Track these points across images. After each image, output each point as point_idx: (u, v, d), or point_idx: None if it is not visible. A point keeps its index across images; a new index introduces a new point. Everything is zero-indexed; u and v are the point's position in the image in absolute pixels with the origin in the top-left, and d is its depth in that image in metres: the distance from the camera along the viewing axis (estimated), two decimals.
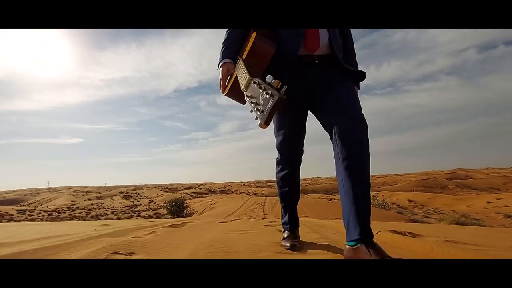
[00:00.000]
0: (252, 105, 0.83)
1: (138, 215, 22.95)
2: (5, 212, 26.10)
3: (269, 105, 0.75)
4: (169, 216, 18.81)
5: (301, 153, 1.34)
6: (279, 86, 0.76)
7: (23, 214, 25.74)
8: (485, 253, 1.26)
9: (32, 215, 24.70)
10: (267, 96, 0.76)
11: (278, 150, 1.34)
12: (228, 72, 1.15)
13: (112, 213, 25.90)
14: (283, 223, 1.46)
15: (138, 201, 38.83)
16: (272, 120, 1.21)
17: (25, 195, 61.73)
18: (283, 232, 1.45)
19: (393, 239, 1.56)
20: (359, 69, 1.22)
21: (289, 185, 1.38)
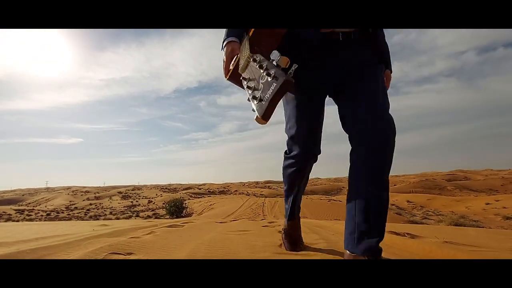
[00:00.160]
0: (249, 91, 0.65)
1: (137, 216, 22.90)
2: (3, 212, 26.01)
3: (270, 92, 0.57)
4: (168, 216, 18.78)
5: (319, 148, 1.11)
6: (287, 66, 0.59)
7: (22, 214, 25.66)
8: (484, 254, 1.26)
9: (31, 215, 24.63)
10: (269, 79, 0.58)
11: (292, 141, 1.10)
12: (232, 53, 0.94)
13: (110, 213, 25.85)
14: (285, 210, 1.30)
15: (137, 201, 38.77)
16: (282, 108, 1.08)
17: (23, 195, 61.56)
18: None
19: (392, 240, 1.56)
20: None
21: (298, 183, 1.19)
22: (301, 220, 1.33)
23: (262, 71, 0.61)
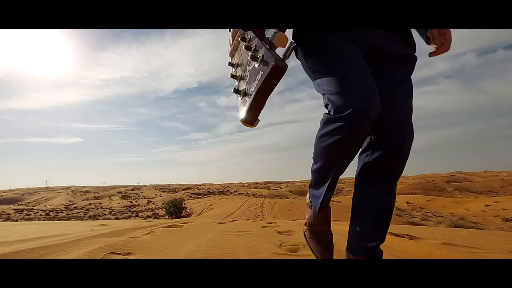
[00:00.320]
0: (235, 81, 0.51)
1: (136, 216, 22.88)
2: (2, 212, 25.96)
3: (255, 83, 0.42)
4: (167, 216, 18.76)
5: (379, 104, 0.73)
6: (285, 46, 0.45)
7: (21, 213, 25.61)
8: (483, 256, 1.26)
9: (30, 215, 24.58)
10: (256, 65, 0.43)
11: (339, 94, 0.72)
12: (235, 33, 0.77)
13: (110, 213, 25.81)
14: (313, 196, 0.94)
15: (136, 202, 38.72)
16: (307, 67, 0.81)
17: (22, 195, 61.48)
18: (311, 210, 0.95)
19: (391, 241, 1.56)
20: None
21: (343, 157, 0.82)
22: (300, 221, 1.32)
23: (250, 53, 0.46)
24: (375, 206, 0.84)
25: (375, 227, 0.84)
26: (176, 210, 19.36)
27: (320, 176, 0.89)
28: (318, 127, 0.81)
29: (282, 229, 2.11)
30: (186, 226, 2.34)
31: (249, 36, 0.53)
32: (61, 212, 27.71)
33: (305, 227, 0.99)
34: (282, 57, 0.45)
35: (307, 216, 0.99)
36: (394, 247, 1.46)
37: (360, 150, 0.87)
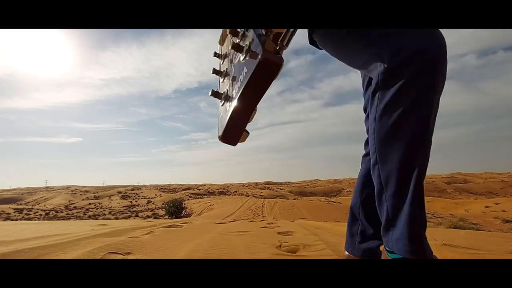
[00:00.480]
0: (220, 79, 0.42)
1: (136, 216, 22.87)
2: (2, 211, 25.96)
3: (239, 83, 0.31)
4: (167, 216, 18.76)
5: None
6: (284, 36, 0.32)
7: (20, 213, 25.60)
8: (482, 257, 1.26)
9: (29, 214, 24.56)
10: (241, 58, 0.33)
11: (392, 37, 0.57)
12: None
13: (109, 213, 25.80)
14: (420, 221, 0.60)
15: (136, 201, 38.71)
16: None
17: (22, 194, 61.48)
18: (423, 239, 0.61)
19: None
20: None
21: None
22: (300, 221, 1.32)
23: (235, 40, 0.35)
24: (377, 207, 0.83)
25: (376, 228, 0.84)
26: (176, 210, 19.36)
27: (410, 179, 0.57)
28: (373, 106, 0.56)
29: (282, 230, 2.11)
30: (186, 226, 2.34)
31: None
32: (61, 211, 27.70)
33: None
34: (277, 47, 0.31)
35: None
36: None
37: (364, 152, 0.86)
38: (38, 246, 1.20)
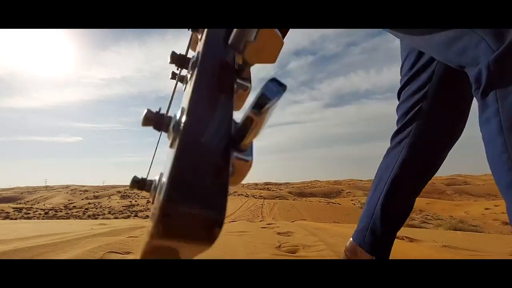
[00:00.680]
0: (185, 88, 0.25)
1: (136, 215, 22.86)
2: (1, 210, 25.95)
3: (185, 100, 0.21)
4: None
5: None
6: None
7: (20, 212, 25.59)
8: (482, 258, 1.26)
9: (29, 213, 24.56)
10: (193, 59, 0.26)
11: None
12: None
13: (109, 212, 25.80)
14: None
15: (136, 201, 38.70)
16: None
17: (22, 193, 61.47)
18: None
19: None
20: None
21: None
22: (299, 222, 1.32)
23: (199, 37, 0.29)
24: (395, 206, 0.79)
25: (388, 225, 0.80)
26: None
27: None
28: (489, 108, 0.45)
29: (281, 230, 2.11)
30: None
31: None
32: (60, 211, 27.69)
33: None
34: (241, 80, 0.24)
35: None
36: (393, 249, 1.46)
37: (390, 145, 0.80)
38: (37, 245, 1.20)
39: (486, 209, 23.97)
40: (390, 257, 0.95)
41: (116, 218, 20.28)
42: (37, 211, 26.65)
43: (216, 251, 1.25)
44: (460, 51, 0.48)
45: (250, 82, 0.27)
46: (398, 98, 0.82)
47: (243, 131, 0.17)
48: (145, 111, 0.22)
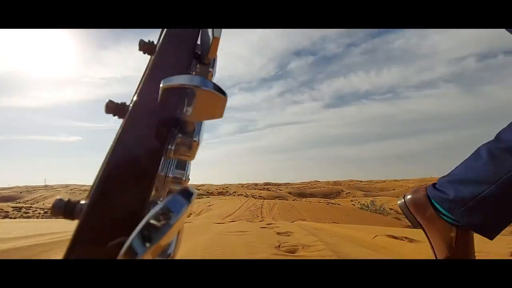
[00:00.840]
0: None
1: None
2: (0, 209, 25.93)
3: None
4: None
5: None
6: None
7: (19, 211, 25.56)
8: (482, 259, 1.26)
9: (28, 213, 24.52)
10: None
11: None
12: None
13: None
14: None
15: None
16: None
17: (21, 192, 61.43)
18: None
19: (390, 244, 1.55)
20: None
21: None
22: (299, 222, 1.32)
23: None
24: None
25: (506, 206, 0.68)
26: None
27: None
28: None
29: (281, 230, 2.11)
30: (185, 226, 2.34)
31: None
32: None
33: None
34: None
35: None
36: (392, 249, 1.46)
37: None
38: (37, 244, 1.20)
39: None
40: (390, 257, 0.95)
41: None
42: (36, 210, 26.62)
43: (216, 250, 1.25)
44: None
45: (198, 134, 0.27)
46: None
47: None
48: (107, 101, 0.24)
